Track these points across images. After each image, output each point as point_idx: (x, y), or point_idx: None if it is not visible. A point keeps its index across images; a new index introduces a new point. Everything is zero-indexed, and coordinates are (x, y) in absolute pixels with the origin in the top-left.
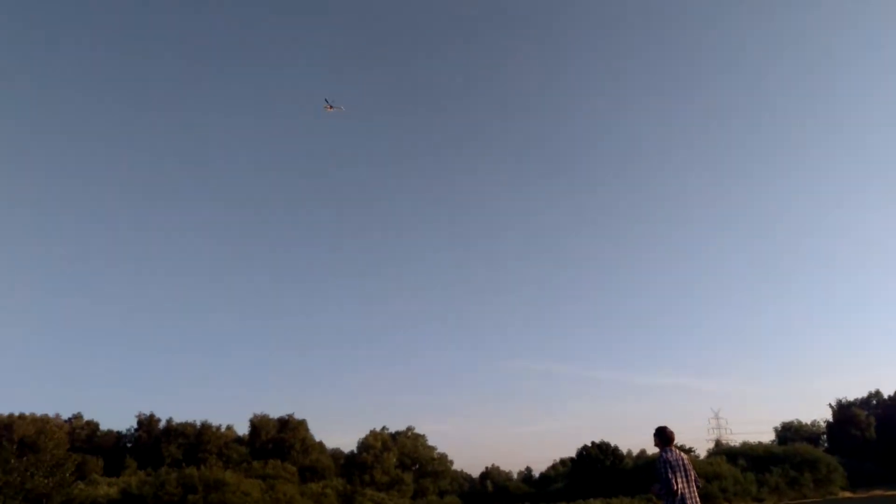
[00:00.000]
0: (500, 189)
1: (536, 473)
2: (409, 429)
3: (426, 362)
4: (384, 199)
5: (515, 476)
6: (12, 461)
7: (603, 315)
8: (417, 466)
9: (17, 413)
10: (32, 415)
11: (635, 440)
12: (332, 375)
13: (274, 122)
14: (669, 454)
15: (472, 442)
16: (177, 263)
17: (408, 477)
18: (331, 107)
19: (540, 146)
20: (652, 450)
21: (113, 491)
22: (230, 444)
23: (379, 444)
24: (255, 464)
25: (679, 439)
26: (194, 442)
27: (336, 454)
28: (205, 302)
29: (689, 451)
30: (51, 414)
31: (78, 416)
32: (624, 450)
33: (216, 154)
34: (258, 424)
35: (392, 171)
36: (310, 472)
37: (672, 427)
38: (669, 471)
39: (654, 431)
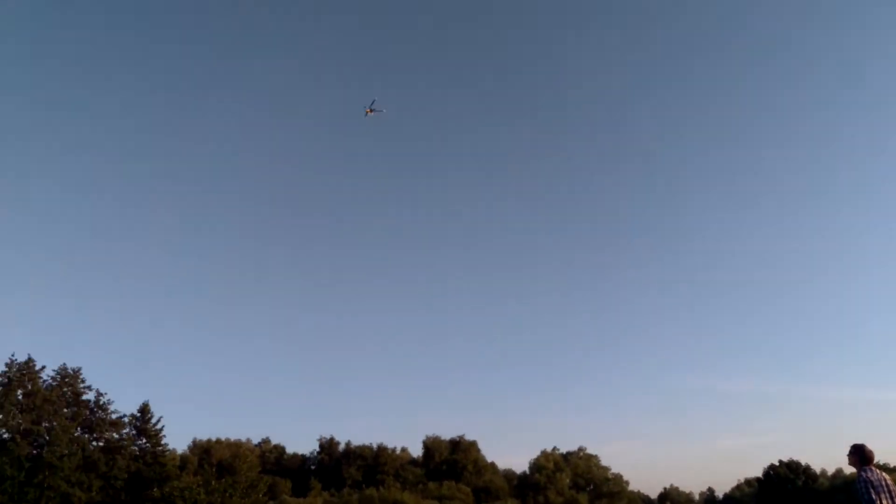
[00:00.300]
0: (650, 195)
1: (720, 494)
2: (580, 449)
3: (597, 380)
4: (557, 229)
5: (697, 497)
6: (213, 483)
7: (785, 324)
8: (592, 487)
9: (213, 438)
10: (227, 439)
11: (828, 458)
12: (501, 396)
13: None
14: (871, 474)
15: (648, 461)
16: (347, 297)
17: (582, 498)
18: (371, 110)
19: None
20: (849, 469)
21: None
22: (405, 466)
23: (551, 465)
24: (431, 485)
25: (878, 457)
26: (372, 464)
27: (508, 475)
28: (377, 328)
29: (893, 470)
30: (243, 439)
31: (266, 441)
32: (817, 469)
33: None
34: (431, 446)
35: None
36: (484, 493)
37: (870, 444)
38: (873, 492)
39: (849, 450)
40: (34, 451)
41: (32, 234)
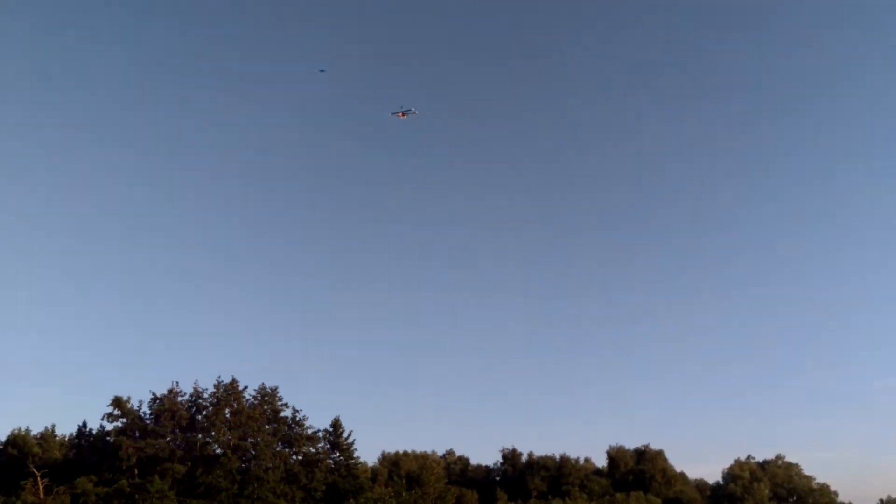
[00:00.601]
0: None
1: None
2: (778, 457)
3: (796, 384)
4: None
5: None
6: (404, 494)
7: None
8: (795, 498)
9: (401, 451)
10: (414, 452)
11: None
12: (687, 402)
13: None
14: None
15: (861, 471)
16: (521, 311)
17: None
18: (403, 114)
19: None
20: None
21: None
22: (590, 476)
23: (747, 474)
24: (618, 496)
25: None
26: (556, 474)
27: (700, 485)
28: (551, 340)
29: None
30: (428, 451)
31: (450, 452)
32: None
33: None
34: (615, 456)
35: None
36: None
37: None
38: None
39: None
40: (243, 465)
41: (227, 263)
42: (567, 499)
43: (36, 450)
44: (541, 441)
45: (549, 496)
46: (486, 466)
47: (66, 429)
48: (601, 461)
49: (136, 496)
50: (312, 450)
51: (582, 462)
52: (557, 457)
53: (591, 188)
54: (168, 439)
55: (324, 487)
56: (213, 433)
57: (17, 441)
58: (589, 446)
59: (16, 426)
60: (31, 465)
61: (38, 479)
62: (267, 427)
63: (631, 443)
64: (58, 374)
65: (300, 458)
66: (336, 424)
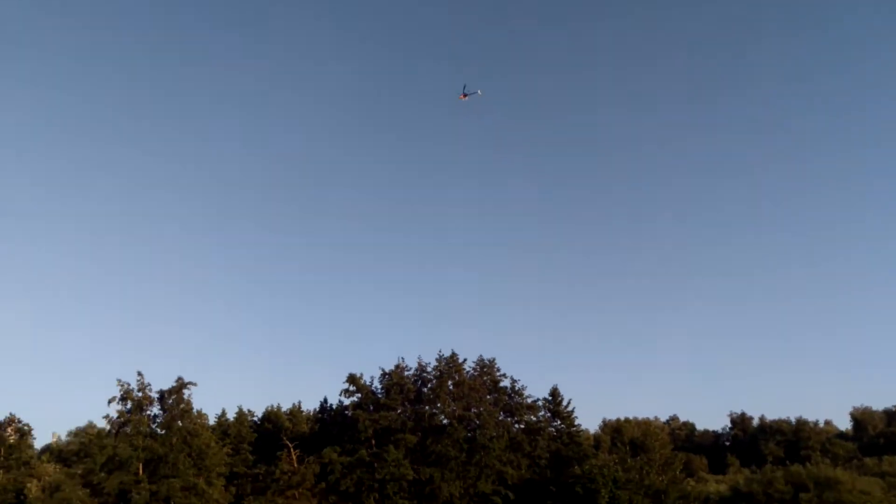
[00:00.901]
0: None
1: None
2: None
3: None
4: None
5: None
6: (629, 461)
7: None
8: None
9: (622, 417)
10: (636, 418)
11: None
12: None
13: None
14: None
15: None
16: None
17: None
18: (466, 95)
19: None
20: None
21: (723, 488)
22: (833, 440)
23: None
24: (868, 461)
25: None
26: (792, 439)
27: None
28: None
29: None
30: (651, 417)
31: (674, 418)
32: None
33: None
34: (861, 418)
35: None
36: None
37: None
38: None
39: None
40: (469, 434)
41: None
42: (808, 464)
43: (287, 424)
44: (770, 404)
45: (787, 461)
46: (714, 432)
47: (310, 404)
48: (843, 424)
49: (375, 465)
50: (533, 418)
51: (822, 425)
52: (793, 420)
53: None
54: (399, 411)
55: (547, 455)
56: (438, 404)
57: (272, 417)
58: (826, 409)
59: (269, 404)
60: (285, 438)
61: (291, 450)
62: (488, 397)
63: (878, 403)
64: (302, 356)
65: (522, 426)
66: (554, 393)
